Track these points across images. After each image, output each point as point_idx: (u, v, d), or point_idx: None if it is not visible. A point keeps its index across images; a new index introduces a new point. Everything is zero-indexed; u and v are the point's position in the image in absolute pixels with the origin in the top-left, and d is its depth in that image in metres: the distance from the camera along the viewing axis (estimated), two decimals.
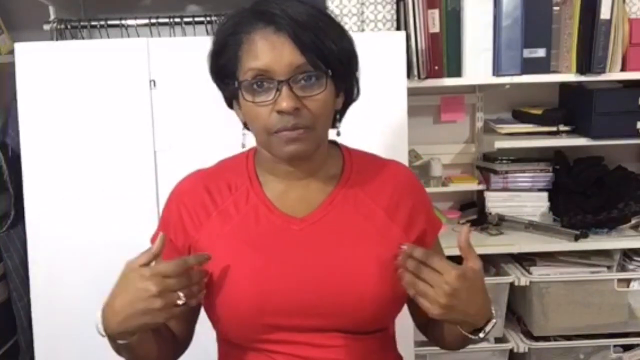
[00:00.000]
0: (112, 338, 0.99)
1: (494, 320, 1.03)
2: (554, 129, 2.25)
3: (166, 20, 2.02)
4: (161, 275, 0.94)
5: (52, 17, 2.05)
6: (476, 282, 0.99)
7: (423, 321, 1.20)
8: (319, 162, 1.11)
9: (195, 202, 1.10)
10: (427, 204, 1.18)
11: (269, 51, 0.99)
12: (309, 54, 0.99)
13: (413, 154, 2.28)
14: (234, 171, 1.13)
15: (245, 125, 1.11)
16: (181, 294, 0.95)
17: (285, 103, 0.98)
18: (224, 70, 1.05)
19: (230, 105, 1.12)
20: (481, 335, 1.03)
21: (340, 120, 1.12)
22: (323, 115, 1.03)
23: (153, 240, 1.14)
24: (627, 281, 2.15)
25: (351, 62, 1.07)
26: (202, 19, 2.02)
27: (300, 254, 1.04)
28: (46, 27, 2.00)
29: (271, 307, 1.02)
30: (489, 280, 2.13)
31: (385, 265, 1.04)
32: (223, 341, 1.13)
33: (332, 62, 1.01)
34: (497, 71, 2.09)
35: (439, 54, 2.07)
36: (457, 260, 1.01)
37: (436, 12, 2.05)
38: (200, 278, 1.00)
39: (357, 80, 1.11)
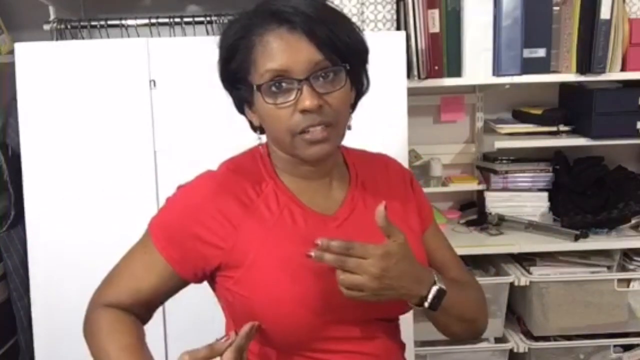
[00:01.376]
0: None
1: (435, 287, 1.01)
2: (554, 129, 2.25)
3: (166, 20, 2.02)
4: None
5: (52, 17, 2.06)
6: (403, 254, 0.98)
7: None
8: (335, 160, 1.12)
9: (223, 207, 1.05)
10: (420, 188, 1.23)
11: (285, 51, 0.97)
12: (326, 49, 0.98)
13: (413, 154, 2.28)
14: (251, 173, 1.10)
15: (258, 130, 1.09)
16: None
17: (308, 102, 0.96)
18: (236, 75, 1.03)
19: (241, 110, 1.10)
20: (425, 304, 1.01)
21: (351, 113, 1.10)
22: (344, 111, 1.03)
23: (154, 236, 1.08)
24: (627, 281, 2.15)
25: (363, 54, 1.06)
26: (202, 19, 2.02)
27: None
28: (46, 27, 2.00)
29: (334, 302, 1.00)
30: (489, 280, 2.14)
31: (415, 252, 1.06)
32: (261, 349, 1.08)
33: (348, 55, 1.01)
34: (497, 71, 2.08)
35: (439, 54, 2.07)
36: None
37: (436, 12, 2.05)
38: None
39: (366, 72, 1.10)
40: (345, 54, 1.00)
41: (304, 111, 0.97)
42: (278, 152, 1.09)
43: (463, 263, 1.25)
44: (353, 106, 1.11)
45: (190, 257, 1.06)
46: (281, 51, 0.97)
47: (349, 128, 1.10)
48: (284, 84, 0.98)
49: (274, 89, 0.99)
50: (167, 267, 1.07)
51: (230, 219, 1.04)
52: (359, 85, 1.10)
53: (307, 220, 1.06)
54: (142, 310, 1.10)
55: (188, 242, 1.05)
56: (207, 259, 1.05)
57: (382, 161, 1.21)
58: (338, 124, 1.02)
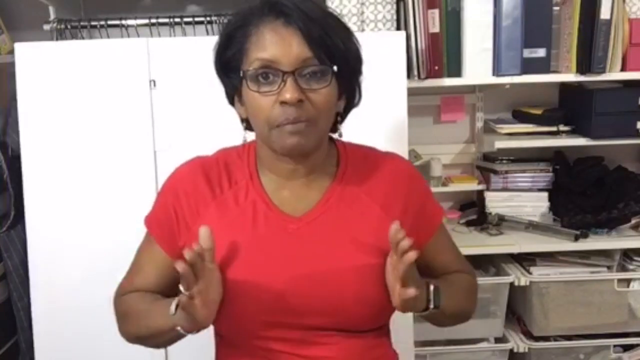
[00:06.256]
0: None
1: (431, 287, 1.05)
2: (554, 129, 2.25)
3: (166, 20, 2.02)
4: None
5: (52, 17, 2.06)
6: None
7: None
8: (318, 161, 1.10)
9: (195, 189, 1.10)
10: (424, 194, 1.17)
11: (277, 43, 0.99)
12: (316, 48, 0.99)
13: (413, 154, 2.28)
14: (235, 164, 1.13)
15: (246, 125, 1.10)
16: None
17: (289, 94, 0.97)
18: (229, 64, 1.05)
19: (231, 102, 1.12)
20: (431, 306, 1.04)
21: (340, 123, 1.11)
22: (325, 111, 1.03)
23: (147, 222, 1.15)
24: (627, 281, 2.15)
25: (356, 63, 1.07)
26: (202, 19, 2.02)
27: (296, 253, 1.04)
28: (46, 27, 2.00)
29: (267, 305, 1.02)
30: (489, 280, 2.14)
31: (380, 264, 1.04)
32: (220, 338, 1.14)
33: (338, 60, 1.02)
34: (497, 71, 2.09)
35: (439, 54, 2.07)
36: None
37: (436, 12, 2.05)
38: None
39: (359, 85, 1.11)
40: (336, 57, 1.01)
41: (283, 103, 0.98)
42: (263, 148, 1.10)
43: (463, 259, 1.24)
44: (342, 116, 1.11)
45: (173, 234, 1.10)
46: (273, 43, 0.99)
47: (340, 136, 1.12)
48: (270, 76, 1.00)
49: (260, 78, 1.00)
50: (163, 254, 1.11)
51: (198, 204, 1.09)
52: (349, 95, 1.10)
53: (268, 219, 1.07)
54: None
55: (170, 219, 1.10)
56: (177, 237, 1.10)
57: (382, 161, 1.16)
58: (317, 122, 1.02)
